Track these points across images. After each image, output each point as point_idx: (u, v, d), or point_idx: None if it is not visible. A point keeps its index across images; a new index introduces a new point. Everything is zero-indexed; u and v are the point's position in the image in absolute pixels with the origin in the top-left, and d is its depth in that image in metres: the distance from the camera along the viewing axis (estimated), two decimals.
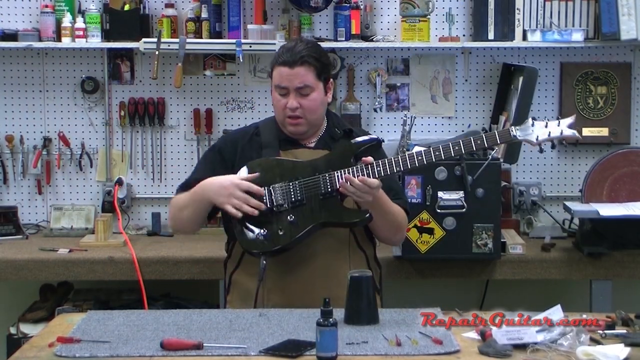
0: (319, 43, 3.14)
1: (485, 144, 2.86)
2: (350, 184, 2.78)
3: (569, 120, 2.86)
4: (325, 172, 2.85)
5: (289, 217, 2.84)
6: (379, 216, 2.89)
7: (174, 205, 3.02)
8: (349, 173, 2.81)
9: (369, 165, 2.81)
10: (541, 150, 2.92)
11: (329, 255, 2.90)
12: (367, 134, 3.12)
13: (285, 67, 2.89)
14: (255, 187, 2.84)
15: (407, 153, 2.89)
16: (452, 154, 2.87)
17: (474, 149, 2.87)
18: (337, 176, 2.82)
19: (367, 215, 2.83)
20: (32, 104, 4.36)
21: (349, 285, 2.55)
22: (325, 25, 4.33)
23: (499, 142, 2.91)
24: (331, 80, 3.01)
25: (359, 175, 2.79)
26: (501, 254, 3.69)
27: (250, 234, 2.85)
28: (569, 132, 2.85)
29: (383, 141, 2.97)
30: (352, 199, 2.83)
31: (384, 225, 2.95)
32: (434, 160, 2.87)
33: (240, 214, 2.82)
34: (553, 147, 2.91)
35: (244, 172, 2.90)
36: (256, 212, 2.82)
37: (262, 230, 2.84)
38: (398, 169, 2.85)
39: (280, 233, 2.83)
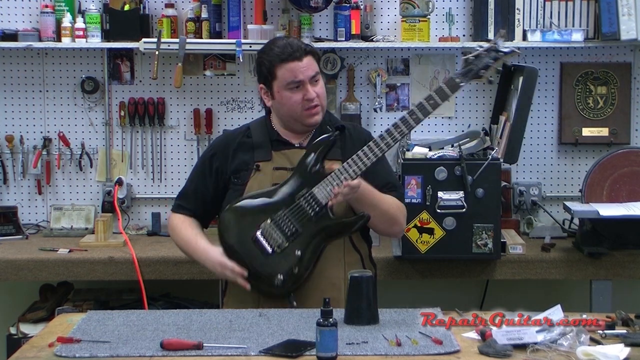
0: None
1: (438, 100, 2.80)
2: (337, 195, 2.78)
3: (499, 37, 2.76)
4: (302, 191, 2.82)
5: (296, 252, 2.82)
6: (370, 209, 2.87)
7: (174, 231, 3.10)
8: (326, 184, 2.78)
9: (344, 169, 2.78)
10: (490, 82, 2.79)
11: (323, 257, 2.88)
12: (361, 129, 3.17)
13: (295, 61, 2.89)
14: (237, 269, 2.87)
15: (372, 141, 2.83)
16: (413, 124, 2.81)
17: (431, 110, 2.81)
18: (319, 193, 2.80)
19: (364, 216, 2.83)
20: (32, 104, 4.36)
21: (349, 285, 2.55)
22: (325, 25, 4.33)
23: (450, 93, 2.80)
24: None
25: (341, 183, 2.76)
26: (501, 254, 3.68)
27: (274, 282, 2.84)
28: (505, 50, 2.74)
29: (341, 129, 2.92)
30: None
31: (377, 217, 2.91)
32: (399, 137, 2.83)
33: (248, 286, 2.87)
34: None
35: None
36: (248, 287, 2.86)
37: (279, 276, 2.83)
38: (369, 160, 2.80)
39: (295, 270, 2.82)
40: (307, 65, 2.90)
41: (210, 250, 2.96)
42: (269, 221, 2.85)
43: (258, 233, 2.85)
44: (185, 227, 3.06)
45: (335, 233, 2.85)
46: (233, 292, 3.00)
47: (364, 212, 2.84)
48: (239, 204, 2.92)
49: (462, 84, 2.79)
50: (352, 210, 2.89)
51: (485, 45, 2.75)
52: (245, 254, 2.86)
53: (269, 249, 2.84)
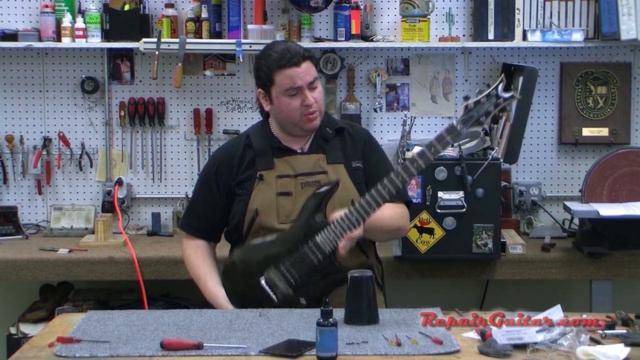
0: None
1: (439, 148, 2.72)
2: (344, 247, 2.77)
3: (499, 84, 2.70)
4: (306, 240, 2.78)
5: (301, 302, 2.80)
6: (375, 234, 2.93)
7: (187, 262, 3.09)
8: (329, 232, 2.75)
9: (346, 217, 2.74)
10: (487, 133, 2.67)
11: None
12: (359, 128, 3.15)
13: (294, 67, 2.87)
14: None
15: (376, 185, 2.74)
16: (423, 165, 2.74)
17: (432, 158, 2.73)
18: (322, 242, 2.76)
19: (366, 264, 2.90)
20: (32, 104, 4.36)
21: (349, 285, 2.55)
22: (325, 25, 4.33)
23: (451, 142, 2.75)
24: None
25: (344, 231, 2.74)
26: (501, 254, 3.69)
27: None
28: (506, 95, 2.68)
29: (337, 185, 2.84)
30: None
31: (382, 236, 3.04)
32: (407, 179, 2.75)
33: None
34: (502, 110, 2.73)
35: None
36: None
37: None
38: (371, 208, 2.73)
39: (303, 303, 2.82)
40: (305, 71, 2.89)
41: (218, 296, 2.95)
42: (273, 270, 2.81)
43: (263, 282, 2.82)
44: (198, 263, 3.05)
45: (339, 282, 2.76)
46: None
47: (368, 262, 2.92)
48: (242, 254, 2.92)
49: (463, 131, 2.72)
50: (358, 244, 2.88)
51: (486, 91, 2.69)
52: (251, 303, 2.80)
53: (275, 298, 2.81)
